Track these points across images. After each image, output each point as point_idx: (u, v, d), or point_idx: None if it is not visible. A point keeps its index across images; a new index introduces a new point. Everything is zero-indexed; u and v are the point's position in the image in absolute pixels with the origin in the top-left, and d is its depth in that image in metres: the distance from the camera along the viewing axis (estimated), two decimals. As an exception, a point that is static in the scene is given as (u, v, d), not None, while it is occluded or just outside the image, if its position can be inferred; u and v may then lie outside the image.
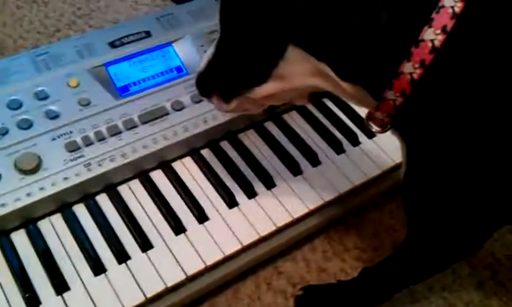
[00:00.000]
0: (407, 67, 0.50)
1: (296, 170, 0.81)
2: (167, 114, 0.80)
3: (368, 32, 0.50)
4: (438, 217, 0.57)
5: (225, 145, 0.83)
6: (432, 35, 0.49)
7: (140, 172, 0.78)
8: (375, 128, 0.57)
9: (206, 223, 0.74)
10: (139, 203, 0.75)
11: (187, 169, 0.79)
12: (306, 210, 0.77)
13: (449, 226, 0.57)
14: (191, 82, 0.84)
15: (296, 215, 0.76)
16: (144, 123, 0.79)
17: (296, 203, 0.77)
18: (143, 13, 1.12)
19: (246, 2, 0.55)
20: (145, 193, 0.76)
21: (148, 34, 0.87)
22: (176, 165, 0.79)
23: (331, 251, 0.80)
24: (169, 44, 0.87)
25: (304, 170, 0.81)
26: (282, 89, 0.59)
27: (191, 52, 0.87)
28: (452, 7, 0.49)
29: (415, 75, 0.50)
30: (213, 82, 0.64)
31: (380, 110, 0.54)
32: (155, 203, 0.75)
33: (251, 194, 0.78)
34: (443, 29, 0.49)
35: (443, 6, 0.49)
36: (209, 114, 0.81)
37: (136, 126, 0.78)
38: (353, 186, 0.80)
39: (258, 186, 0.79)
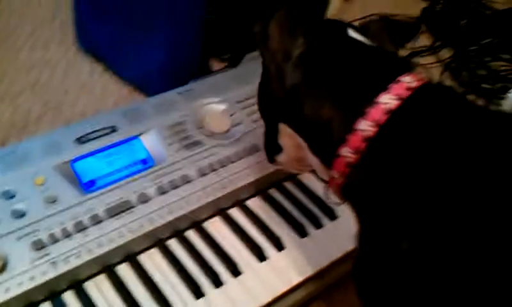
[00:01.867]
0: (344, 151, 0.57)
1: (261, 256, 0.82)
2: (132, 207, 0.82)
3: (313, 120, 0.60)
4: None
5: (190, 234, 0.84)
6: (365, 126, 0.55)
7: (106, 266, 0.78)
8: (333, 198, 0.64)
9: (173, 316, 0.75)
10: (106, 299, 0.75)
11: (153, 261, 0.80)
12: (274, 295, 0.78)
13: None
14: (157, 174, 0.86)
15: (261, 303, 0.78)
16: (110, 217, 0.80)
17: (263, 289, 0.79)
18: (110, 104, 1.15)
19: (261, 95, 0.72)
20: (111, 288, 0.76)
21: (113, 128, 0.90)
22: (143, 258, 0.80)
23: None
24: (135, 137, 0.89)
25: (270, 256, 0.83)
26: (290, 158, 0.71)
27: (157, 144, 0.89)
28: (386, 103, 0.55)
29: (351, 159, 0.56)
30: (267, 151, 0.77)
31: (329, 185, 0.61)
32: (123, 298, 0.75)
33: (217, 283, 0.79)
34: (376, 122, 0.55)
35: (377, 102, 0.55)
36: (174, 205, 0.83)
37: (101, 221, 0.79)
38: (331, 260, 0.83)
39: (225, 275, 0.80)
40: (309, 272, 0.81)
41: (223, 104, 0.97)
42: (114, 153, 0.87)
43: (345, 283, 0.84)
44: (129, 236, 0.79)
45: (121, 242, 0.78)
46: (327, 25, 0.65)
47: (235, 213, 0.88)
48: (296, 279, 0.80)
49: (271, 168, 0.88)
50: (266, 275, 0.80)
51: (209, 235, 0.84)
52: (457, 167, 0.51)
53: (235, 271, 0.80)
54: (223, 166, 0.89)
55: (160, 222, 0.81)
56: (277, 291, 0.79)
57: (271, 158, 0.76)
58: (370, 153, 0.55)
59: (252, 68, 1.04)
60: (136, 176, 0.85)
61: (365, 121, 0.55)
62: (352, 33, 0.63)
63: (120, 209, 0.81)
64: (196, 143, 0.90)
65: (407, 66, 0.59)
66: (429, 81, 0.58)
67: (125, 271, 0.79)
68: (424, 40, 1.45)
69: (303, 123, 0.62)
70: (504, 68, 1.36)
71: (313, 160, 0.64)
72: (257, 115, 0.96)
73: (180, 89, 0.99)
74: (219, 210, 0.87)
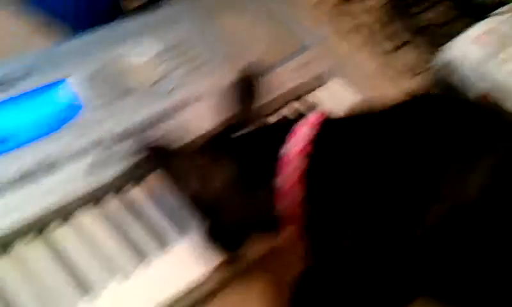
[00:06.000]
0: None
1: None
2: (51, 169, 0.74)
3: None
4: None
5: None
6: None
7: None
8: None
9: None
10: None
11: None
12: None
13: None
14: (75, 131, 0.78)
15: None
16: (25, 179, 0.73)
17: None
18: (12, 45, 1.01)
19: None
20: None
21: (29, 73, 0.80)
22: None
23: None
24: (55, 84, 0.80)
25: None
26: None
27: (82, 92, 0.81)
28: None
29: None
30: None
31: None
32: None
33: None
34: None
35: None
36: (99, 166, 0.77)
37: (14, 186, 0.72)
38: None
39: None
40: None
41: (149, 51, 0.88)
42: (31, 102, 0.78)
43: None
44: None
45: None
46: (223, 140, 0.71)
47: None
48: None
49: (205, 126, 0.80)
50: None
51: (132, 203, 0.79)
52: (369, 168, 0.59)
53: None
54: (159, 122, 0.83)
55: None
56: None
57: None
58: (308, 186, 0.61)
59: (181, 8, 0.96)
60: (52, 134, 0.77)
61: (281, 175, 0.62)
62: None
63: (37, 171, 0.74)
64: (119, 97, 0.83)
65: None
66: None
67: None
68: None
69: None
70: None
71: None
72: (189, 66, 0.90)
73: (99, 32, 0.89)
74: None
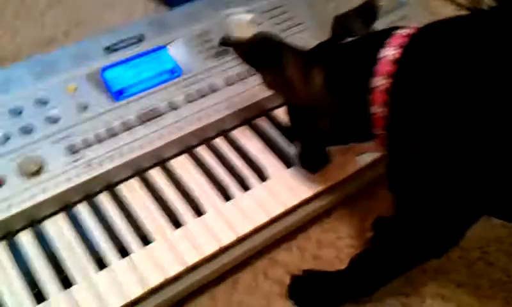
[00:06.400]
0: (374, 109, 0.64)
1: (287, 162, 0.84)
2: (162, 114, 0.83)
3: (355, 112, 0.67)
4: (422, 204, 0.63)
5: (219, 142, 0.86)
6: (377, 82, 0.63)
7: (138, 170, 0.81)
8: None
9: (202, 216, 0.77)
10: (138, 201, 0.78)
11: (183, 166, 0.83)
12: (299, 200, 0.80)
13: (432, 213, 0.62)
14: (184, 83, 0.87)
15: (289, 205, 0.80)
16: (140, 123, 0.82)
17: (289, 193, 0.81)
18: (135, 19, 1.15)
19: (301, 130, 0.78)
20: (143, 191, 0.80)
21: (141, 38, 0.90)
22: (173, 163, 0.83)
23: (324, 239, 0.83)
24: (162, 47, 0.90)
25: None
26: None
27: (184, 53, 0.90)
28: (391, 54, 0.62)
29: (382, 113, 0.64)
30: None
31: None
32: (154, 200, 0.79)
33: (244, 187, 0.81)
34: (387, 74, 0.62)
35: (381, 57, 0.63)
36: (202, 113, 0.85)
37: (132, 127, 0.81)
38: (346, 175, 0.84)
39: (252, 179, 0.82)
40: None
41: (250, 14, 0.96)
42: (142, 62, 0.88)
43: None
44: (159, 143, 0.81)
45: (151, 147, 0.81)
46: (320, 48, 0.73)
47: (262, 123, 0.89)
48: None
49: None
50: (292, 182, 0.82)
51: (236, 143, 0.86)
52: (462, 83, 0.57)
53: (261, 176, 0.82)
54: (250, 76, 0.89)
55: (189, 129, 0.83)
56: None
57: (316, 170, 0.81)
58: (393, 101, 0.62)
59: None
60: (164, 85, 0.87)
61: (376, 78, 0.62)
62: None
63: (149, 116, 0.83)
64: (223, 53, 0.91)
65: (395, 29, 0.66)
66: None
67: (156, 175, 0.81)
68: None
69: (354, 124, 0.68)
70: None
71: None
72: (285, 24, 0.96)
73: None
74: (246, 120, 0.89)
